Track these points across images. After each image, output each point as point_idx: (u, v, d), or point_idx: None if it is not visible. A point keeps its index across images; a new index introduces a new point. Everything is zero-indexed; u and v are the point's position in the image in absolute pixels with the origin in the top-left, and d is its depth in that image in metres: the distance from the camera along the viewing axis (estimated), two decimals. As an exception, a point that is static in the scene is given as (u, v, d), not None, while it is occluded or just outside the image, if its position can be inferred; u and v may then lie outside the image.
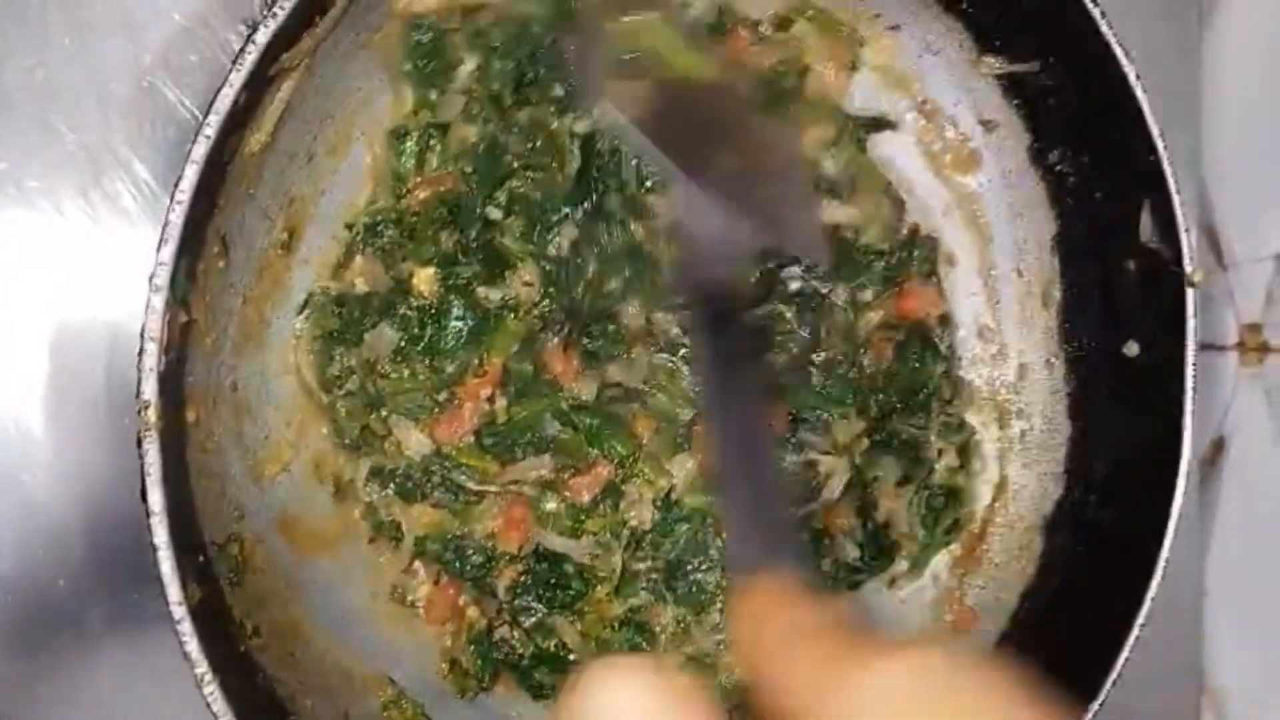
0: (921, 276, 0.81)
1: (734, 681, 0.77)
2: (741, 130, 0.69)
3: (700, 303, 0.62)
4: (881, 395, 0.80)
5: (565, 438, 0.75)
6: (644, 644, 0.77)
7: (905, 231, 0.81)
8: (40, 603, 0.71)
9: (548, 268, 0.74)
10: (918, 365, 0.81)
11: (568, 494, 0.75)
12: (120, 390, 0.71)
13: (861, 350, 0.79)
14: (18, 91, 0.71)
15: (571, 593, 0.76)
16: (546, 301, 0.75)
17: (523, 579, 0.75)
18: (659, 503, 0.77)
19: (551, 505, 0.75)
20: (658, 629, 0.77)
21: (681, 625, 0.78)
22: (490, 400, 0.74)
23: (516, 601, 0.75)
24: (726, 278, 0.62)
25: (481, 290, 0.74)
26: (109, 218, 0.71)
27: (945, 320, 0.82)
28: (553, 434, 0.75)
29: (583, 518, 0.76)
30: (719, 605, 0.77)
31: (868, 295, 0.80)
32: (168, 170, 0.71)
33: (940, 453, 0.81)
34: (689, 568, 0.77)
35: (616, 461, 0.75)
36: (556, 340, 0.75)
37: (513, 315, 0.74)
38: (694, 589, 0.77)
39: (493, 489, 0.75)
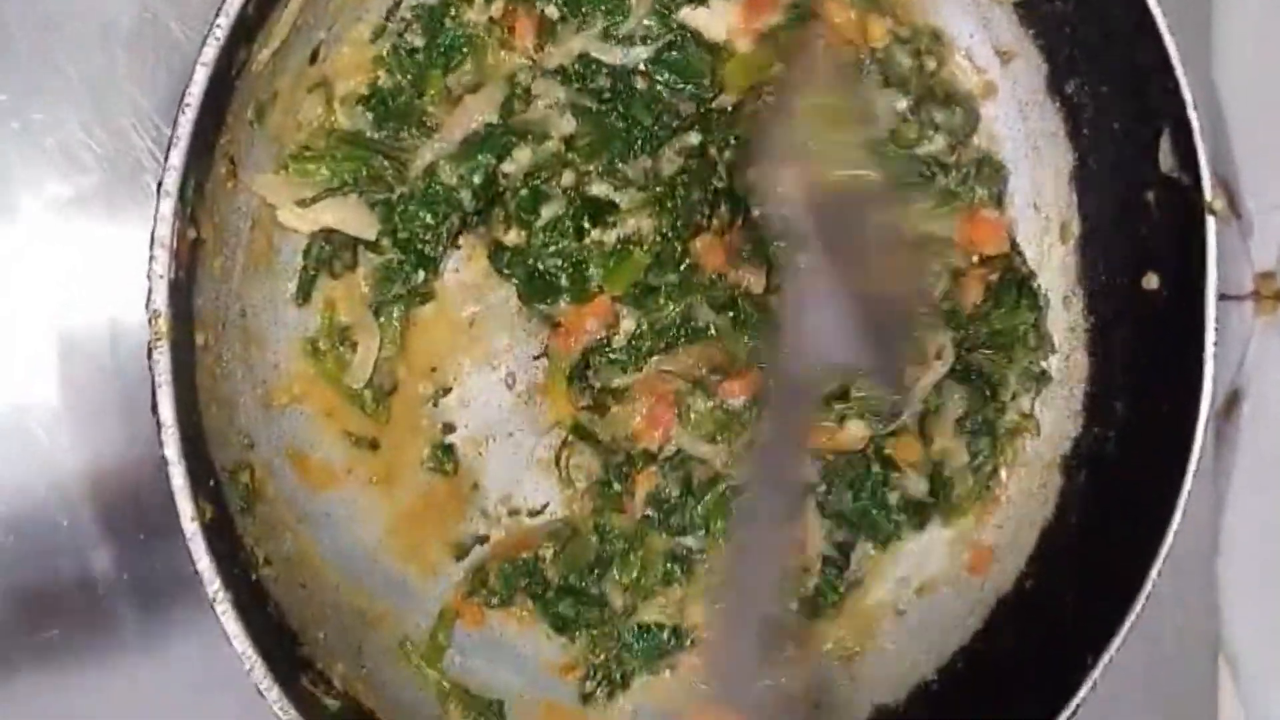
0: (991, 203, 0.79)
1: None
2: (883, 248, 0.69)
3: (781, 388, 0.66)
4: (969, 326, 0.78)
5: (721, 325, 0.73)
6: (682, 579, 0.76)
7: (973, 151, 0.79)
8: (43, 546, 0.70)
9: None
10: (1014, 307, 0.79)
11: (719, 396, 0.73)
12: (127, 359, 0.70)
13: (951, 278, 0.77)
14: (18, 24, 0.70)
15: None
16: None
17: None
18: None
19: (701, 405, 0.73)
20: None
21: None
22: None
23: None
24: (809, 376, 0.65)
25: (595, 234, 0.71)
26: (112, 152, 0.70)
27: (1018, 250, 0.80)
28: (707, 323, 0.73)
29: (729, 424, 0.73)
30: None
31: (926, 205, 0.77)
32: (172, 103, 0.70)
33: (1014, 396, 0.79)
34: None
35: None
36: (709, 232, 0.72)
37: (637, 248, 0.71)
38: None
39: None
